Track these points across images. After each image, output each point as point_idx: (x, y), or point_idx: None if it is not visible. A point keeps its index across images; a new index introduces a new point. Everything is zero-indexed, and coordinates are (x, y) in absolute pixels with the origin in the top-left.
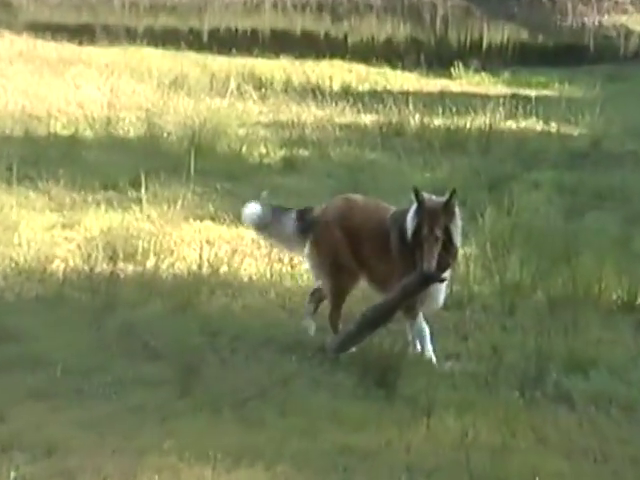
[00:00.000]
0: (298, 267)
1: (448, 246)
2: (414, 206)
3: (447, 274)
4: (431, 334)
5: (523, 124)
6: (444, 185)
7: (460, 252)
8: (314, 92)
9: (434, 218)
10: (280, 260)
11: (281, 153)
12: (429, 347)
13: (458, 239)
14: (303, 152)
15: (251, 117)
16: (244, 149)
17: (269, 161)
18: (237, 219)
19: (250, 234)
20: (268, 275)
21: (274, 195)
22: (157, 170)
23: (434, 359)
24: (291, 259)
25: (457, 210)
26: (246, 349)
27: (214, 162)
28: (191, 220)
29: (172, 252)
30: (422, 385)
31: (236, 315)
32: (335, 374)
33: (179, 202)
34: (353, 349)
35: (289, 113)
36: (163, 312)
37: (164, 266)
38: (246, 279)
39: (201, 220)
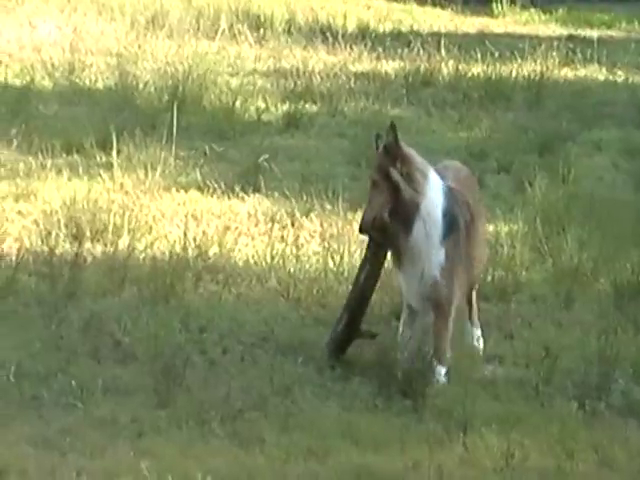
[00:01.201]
0: (305, 248)
1: (396, 199)
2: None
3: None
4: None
5: (582, 72)
6: (483, 147)
7: (504, 229)
8: (324, 33)
9: (376, 159)
10: (283, 239)
11: (283, 108)
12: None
13: (405, 189)
14: (310, 107)
15: (246, 64)
16: (238, 103)
17: (268, 118)
18: (230, 189)
19: (246, 207)
20: (268, 258)
21: (274, 160)
22: (131, 129)
23: (443, 379)
24: (296, 238)
25: (405, 151)
26: (240, 349)
27: (201, 119)
28: (173, 190)
29: (150, 229)
30: (457, 394)
31: (228, 307)
32: (349, 380)
33: (158, 168)
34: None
35: (293, 59)
36: (139, 303)
37: (140, 246)
38: (241, 263)
39: (185, 190)
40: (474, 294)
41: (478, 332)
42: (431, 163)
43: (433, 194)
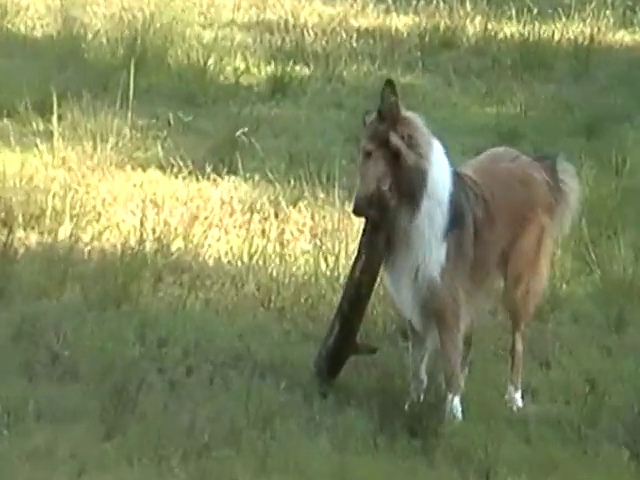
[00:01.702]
0: (291, 245)
1: (396, 169)
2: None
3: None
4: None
5: None
6: (516, 126)
7: None
8: None
9: (369, 127)
10: (264, 234)
11: (268, 70)
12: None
13: (408, 154)
14: (301, 70)
15: (223, 13)
16: (211, 62)
17: (249, 81)
18: (199, 169)
19: (219, 193)
20: (245, 257)
21: (255, 134)
22: (77, 89)
23: (459, 414)
24: (281, 232)
25: (407, 114)
26: (208, 369)
27: (165, 80)
28: (128, 168)
29: (98, 216)
30: (478, 434)
31: (194, 316)
32: (344, 412)
33: (110, 140)
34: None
35: (280, 9)
36: (82, 307)
37: (85, 237)
38: (211, 261)
39: (144, 169)
40: (518, 339)
41: (517, 396)
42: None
43: (439, 167)
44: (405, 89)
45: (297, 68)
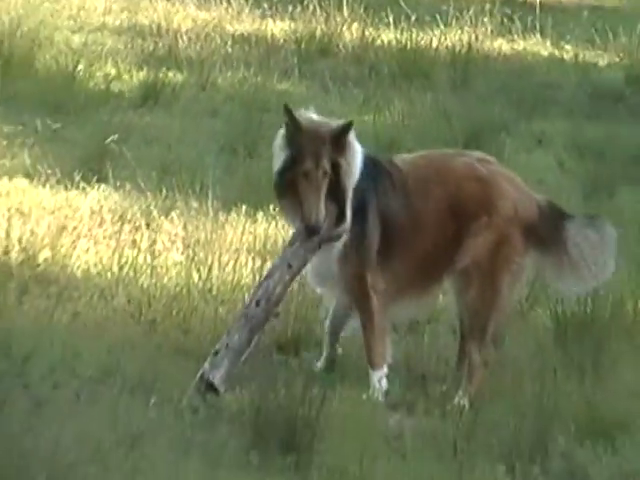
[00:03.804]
0: (163, 257)
1: (335, 192)
2: (282, 129)
3: (342, 230)
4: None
5: (521, 45)
6: (394, 135)
7: None
8: None
9: (318, 145)
10: (135, 245)
11: (139, 76)
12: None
13: (349, 185)
14: (174, 76)
15: (93, 17)
16: (80, 68)
17: (120, 88)
18: (68, 178)
19: (88, 202)
20: (115, 268)
21: (126, 142)
22: None
23: (381, 386)
24: (152, 243)
25: (355, 145)
26: (75, 384)
27: (32, 86)
28: None
29: None
30: (353, 450)
31: (61, 329)
32: (216, 429)
33: None
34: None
35: (153, 14)
36: None
37: None
38: (80, 273)
39: (10, 177)
40: (472, 349)
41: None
42: None
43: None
44: (281, 96)
45: (170, 74)
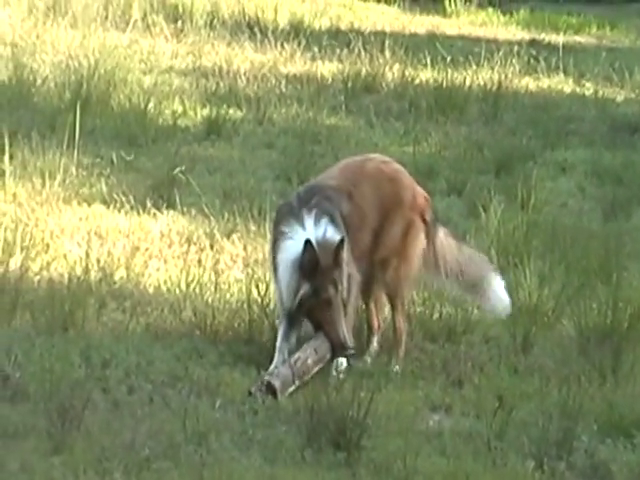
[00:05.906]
0: (225, 274)
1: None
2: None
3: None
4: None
5: (545, 82)
6: (432, 164)
7: None
8: (251, 28)
9: (332, 271)
10: (200, 264)
11: (203, 113)
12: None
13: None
14: (234, 112)
15: (162, 60)
16: (151, 105)
17: (186, 123)
18: (140, 204)
19: (159, 226)
20: (182, 285)
21: (192, 171)
22: (27, 130)
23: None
24: (216, 262)
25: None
26: (148, 388)
27: (108, 122)
28: (75, 203)
29: (47, 247)
30: (397, 448)
31: (135, 339)
32: (274, 428)
33: (58, 177)
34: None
35: (215, 57)
36: (32, 332)
37: (35, 267)
38: (151, 289)
39: (89, 204)
40: (396, 318)
41: (398, 368)
42: None
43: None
44: (330, 130)
45: (230, 111)
